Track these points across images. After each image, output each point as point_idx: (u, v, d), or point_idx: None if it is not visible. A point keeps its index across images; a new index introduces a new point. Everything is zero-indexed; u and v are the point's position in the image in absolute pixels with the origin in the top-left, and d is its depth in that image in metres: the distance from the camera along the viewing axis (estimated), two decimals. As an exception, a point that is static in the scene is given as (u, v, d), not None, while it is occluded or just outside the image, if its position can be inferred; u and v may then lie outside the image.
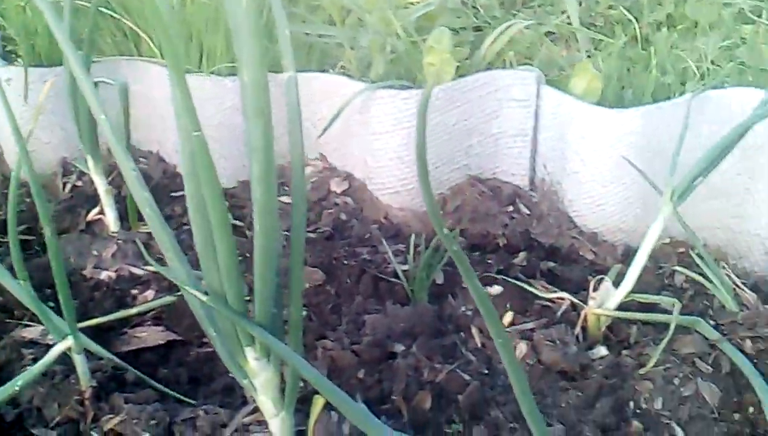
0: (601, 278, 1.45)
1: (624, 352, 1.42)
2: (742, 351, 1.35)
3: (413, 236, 1.63)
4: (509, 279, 1.54)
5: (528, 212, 1.77)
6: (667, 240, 1.72)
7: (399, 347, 1.36)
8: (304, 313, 1.43)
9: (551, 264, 1.66)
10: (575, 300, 1.49)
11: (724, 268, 1.66)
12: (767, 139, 1.58)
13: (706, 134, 1.61)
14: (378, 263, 1.58)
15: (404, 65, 1.83)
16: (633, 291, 1.41)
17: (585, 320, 1.43)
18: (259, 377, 0.95)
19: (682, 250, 1.69)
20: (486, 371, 1.35)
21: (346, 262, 1.57)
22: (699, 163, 1.39)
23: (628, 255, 1.66)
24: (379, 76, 1.80)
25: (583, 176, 1.68)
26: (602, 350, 1.41)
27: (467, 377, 1.30)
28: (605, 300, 1.43)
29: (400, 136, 1.71)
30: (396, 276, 1.54)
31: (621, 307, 1.42)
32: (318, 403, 1.13)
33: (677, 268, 1.59)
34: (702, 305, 1.55)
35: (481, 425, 1.23)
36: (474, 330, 1.44)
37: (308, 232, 1.71)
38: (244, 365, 0.94)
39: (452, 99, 1.71)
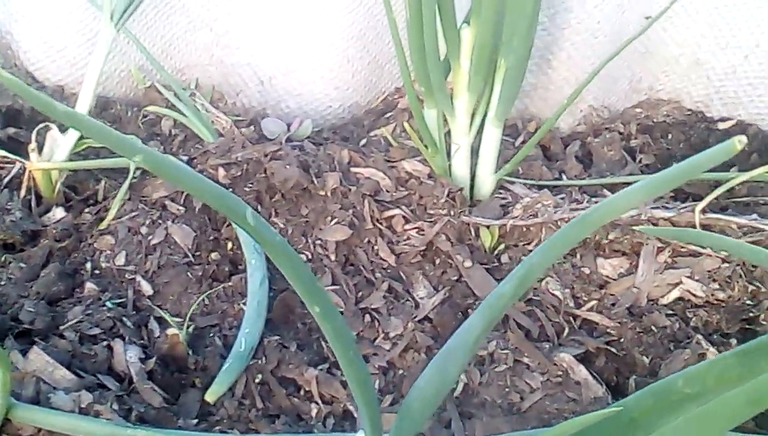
0: (46, 126, 1.23)
1: (87, 210, 1.23)
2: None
3: None
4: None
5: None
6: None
7: None
8: None
9: (12, 130, 1.40)
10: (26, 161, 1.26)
11: (217, 107, 1.53)
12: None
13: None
14: None
15: None
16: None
17: (32, 179, 1.21)
18: None
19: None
20: None
21: None
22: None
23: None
24: None
25: (34, 17, 1.43)
26: (59, 212, 1.21)
27: None
28: (54, 152, 1.22)
29: None
30: None
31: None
32: None
33: (150, 108, 1.42)
34: (191, 147, 1.41)
35: None
36: None
37: None
38: None
39: None
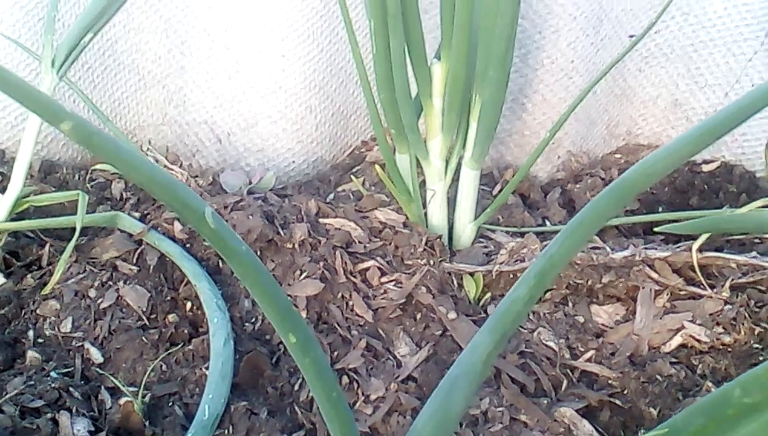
0: (-17, 186, 1.15)
1: (30, 275, 1.14)
2: (171, 237, 1.15)
3: None
4: None
5: None
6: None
7: None
8: None
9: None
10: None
11: (172, 170, 1.46)
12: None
13: None
14: None
15: None
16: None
17: (-33, 243, 1.12)
18: None
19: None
20: None
21: None
22: (80, 18, 1.15)
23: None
24: None
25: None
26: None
27: None
28: (-8, 212, 1.13)
29: None
30: None
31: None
32: None
33: (98, 167, 1.35)
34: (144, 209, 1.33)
35: None
36: None
37: None
38: None
39: None
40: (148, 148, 1.42)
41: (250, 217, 1.13)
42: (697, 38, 1.47)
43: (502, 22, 1.05)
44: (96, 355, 1.01)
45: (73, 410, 0.91)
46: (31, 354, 0.99)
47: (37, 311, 1.06)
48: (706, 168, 1.50)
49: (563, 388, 1.05)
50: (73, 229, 1.13)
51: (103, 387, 0.98)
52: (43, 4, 1.32)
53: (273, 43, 1.37)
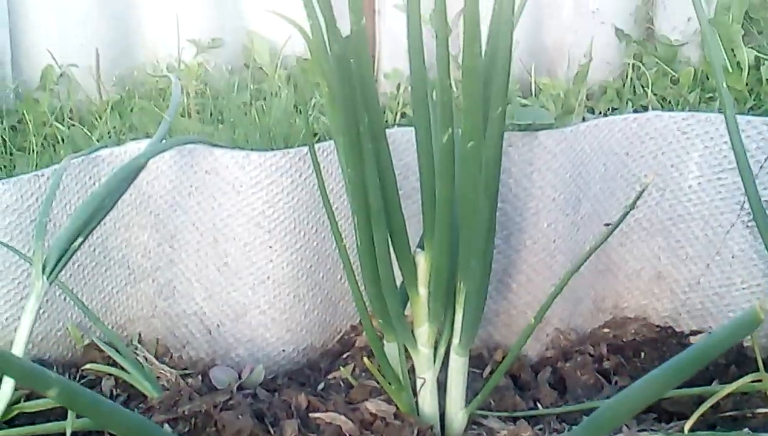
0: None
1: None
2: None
3: None
4: None
5: None
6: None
7: None
8: None
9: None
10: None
11: (163, 362, 1.48)
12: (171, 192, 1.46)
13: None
14: None
15: None
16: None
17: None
18: None
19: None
20: None
21: None
22: (71, 221, 1.20)
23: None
24: None
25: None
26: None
27: None
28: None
29: None
30: None
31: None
32: None
33: (88, 367, 1.36)
34: (134, 406, 1.34)
35: None
36: None
37: None
38: None
39: None
40: (136, 348, 1.44)
41: (240, 417, 1.13)
42: (675, 212, 1.53)
43: (480, 218, 1.10)
44: None
45: None
46: None
47: None
48: (693, 339, 1.53)
49: None
50: (64, 434, 1.14)
51: None
52: (35, 207, 1.38)
53: (260, 235, 1.42)
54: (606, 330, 1.56)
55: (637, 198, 1.05)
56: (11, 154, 2.03)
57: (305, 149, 1.39)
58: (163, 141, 1.39)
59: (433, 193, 1.14)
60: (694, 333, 1.54)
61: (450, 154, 1.09)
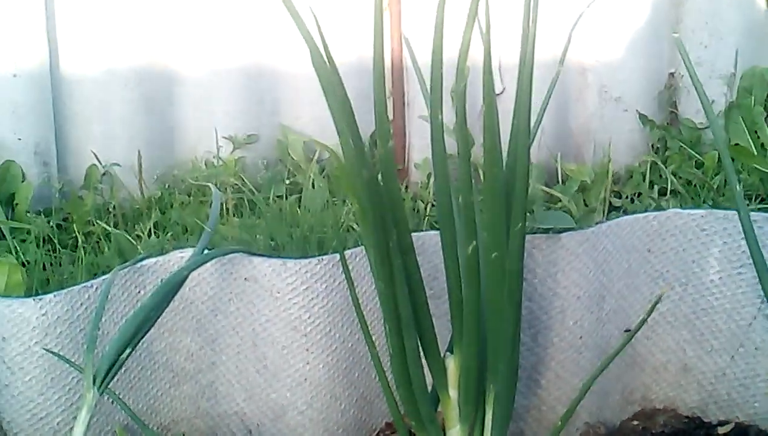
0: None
1: None
2: None
3: None
4: None
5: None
6: None
7: None
8: None
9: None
10: None
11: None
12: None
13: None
14: None
15: None
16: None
17: None
18: None
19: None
20: None
21: None
22: (120, 333, 1.29)
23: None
24: None
25: (17, 386, 1.48)
26: None
27: None
28: None
29: None
30: None
31: None
32: None
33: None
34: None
35: None
36: None
37: None
38: None
39: None
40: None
41: None
42: (698, 306, 1.59)
43: (506, 324, 1.17)
44: None
45: None
46: None
47: None
48: (721, 430, 1.57)
49: None
50: None
51: None
52: (84, 316, 1.47)
53: (297, 338, 1.50)
54: (635, 422, 1.61)
55: (652, 309, 1.11)
56: (57, 251, 2.14)
57: (338, 256, 1.48)
58: (205, 251, 1.48)
59: (461, 299, 1.22)
60: (722, 424, 1.58)
61: (475, 265, 1.18)
